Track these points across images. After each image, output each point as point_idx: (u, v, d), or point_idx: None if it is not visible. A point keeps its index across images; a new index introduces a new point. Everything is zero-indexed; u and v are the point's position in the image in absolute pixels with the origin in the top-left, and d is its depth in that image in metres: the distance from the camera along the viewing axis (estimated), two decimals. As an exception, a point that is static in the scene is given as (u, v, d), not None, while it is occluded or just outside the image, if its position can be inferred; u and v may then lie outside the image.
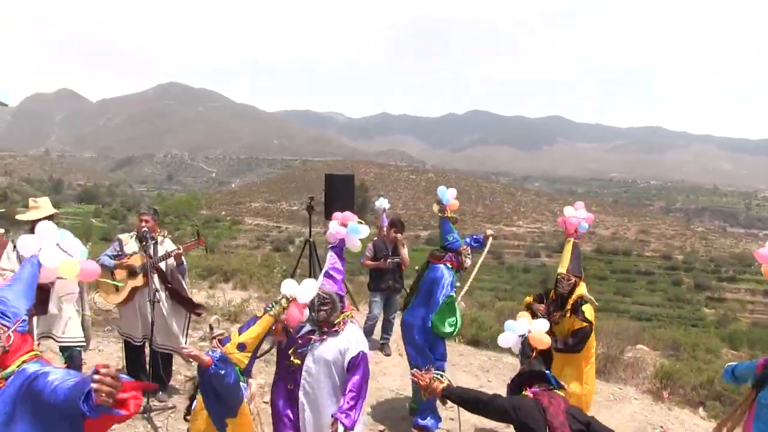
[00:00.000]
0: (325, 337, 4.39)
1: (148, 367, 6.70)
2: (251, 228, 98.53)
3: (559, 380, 4.14)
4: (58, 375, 2.59)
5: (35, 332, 5.98)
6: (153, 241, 6.46)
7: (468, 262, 6.74)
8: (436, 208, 6.84)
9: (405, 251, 8.73)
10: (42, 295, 5.88)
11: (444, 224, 6.78)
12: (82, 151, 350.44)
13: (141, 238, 6.55)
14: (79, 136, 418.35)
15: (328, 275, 4.67)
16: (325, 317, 4.37)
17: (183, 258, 6.54)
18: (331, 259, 4.79)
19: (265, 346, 4.82)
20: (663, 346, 11.34)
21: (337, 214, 5.13)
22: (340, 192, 10.34)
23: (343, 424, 4.20)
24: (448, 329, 6.30)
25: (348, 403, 4.30)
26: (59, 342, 6.15)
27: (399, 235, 8.52)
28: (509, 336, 4.85)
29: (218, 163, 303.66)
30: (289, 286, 4.17)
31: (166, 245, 6.63)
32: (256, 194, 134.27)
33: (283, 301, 4.07)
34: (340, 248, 4.95)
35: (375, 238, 9.02)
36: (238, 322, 9.57)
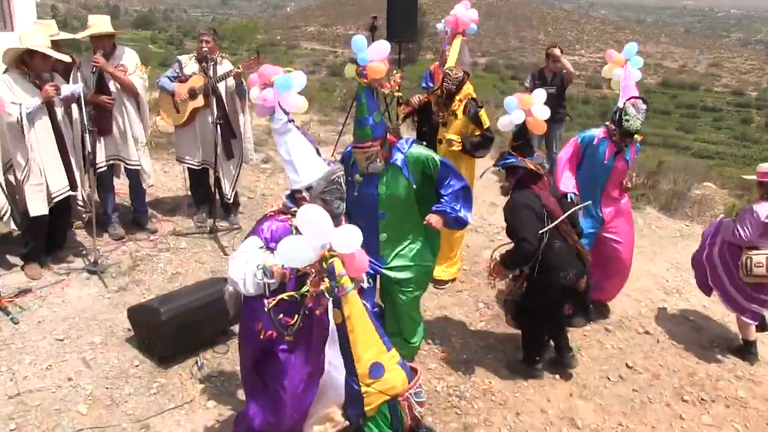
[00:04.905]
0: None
1: (212, 189, 6.73)
2: (307, 53, 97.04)
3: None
4: None
5: (103, 154, 6.05)
6: (213, 62, 6.26)
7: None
8: (351, 69, 4.14)
9: (567, 62, 8.39)
10: (105, 116, 5.89)
11: (361, 99, 4.07)
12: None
13: (201, 59, 6.38)
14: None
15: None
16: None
17: (242, 78, 6.32)
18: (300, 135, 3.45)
19: None
20: (732, 185, 10.98)
21: (252, 77, 3.64)
22: (403, 13, 9.89)
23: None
24: None
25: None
26: (130, 165, 6.25)
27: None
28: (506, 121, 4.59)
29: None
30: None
31: (225, 66, 6.45)
32: (312, 18, 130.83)
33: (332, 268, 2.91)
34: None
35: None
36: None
